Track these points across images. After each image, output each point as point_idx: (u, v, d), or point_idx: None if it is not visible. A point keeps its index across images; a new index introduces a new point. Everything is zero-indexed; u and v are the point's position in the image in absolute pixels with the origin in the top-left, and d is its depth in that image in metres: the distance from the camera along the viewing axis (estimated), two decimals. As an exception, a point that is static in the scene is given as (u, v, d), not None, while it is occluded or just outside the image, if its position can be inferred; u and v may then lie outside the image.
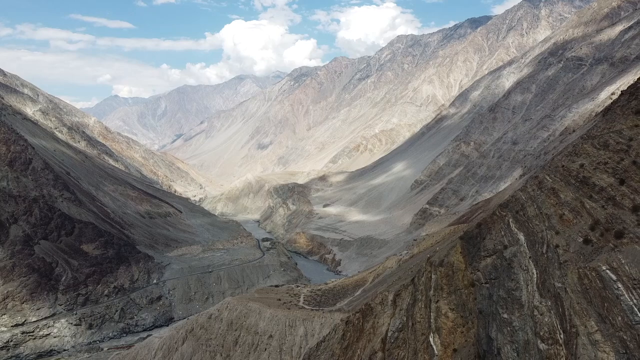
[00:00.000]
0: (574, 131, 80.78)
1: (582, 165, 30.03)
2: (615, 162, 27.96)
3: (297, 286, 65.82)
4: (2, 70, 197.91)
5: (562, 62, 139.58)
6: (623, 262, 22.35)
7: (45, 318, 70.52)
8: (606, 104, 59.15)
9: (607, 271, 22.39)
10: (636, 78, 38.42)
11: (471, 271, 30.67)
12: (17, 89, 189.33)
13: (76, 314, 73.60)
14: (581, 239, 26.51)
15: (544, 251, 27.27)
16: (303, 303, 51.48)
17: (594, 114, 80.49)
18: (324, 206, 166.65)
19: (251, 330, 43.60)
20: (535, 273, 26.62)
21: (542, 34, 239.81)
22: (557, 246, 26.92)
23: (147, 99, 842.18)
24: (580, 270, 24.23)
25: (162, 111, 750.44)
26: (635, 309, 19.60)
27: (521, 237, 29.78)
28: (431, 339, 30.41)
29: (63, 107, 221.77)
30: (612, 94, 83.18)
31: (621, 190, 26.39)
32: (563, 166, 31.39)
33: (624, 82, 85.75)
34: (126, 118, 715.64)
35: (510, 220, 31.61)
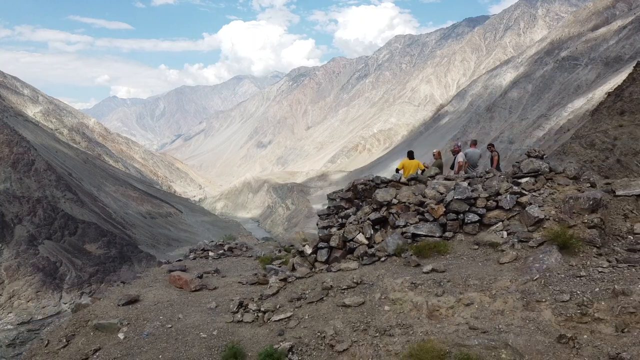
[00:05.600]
0: (568, 130, 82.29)
1: (570, 164, 31.58)
2: (600, 160, 29.47)
3: (298, 283, 67.14)
4: (2, 72, 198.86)
5: (558, 62, 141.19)
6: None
7: (51, 316, 71.62)
8: (598, 104, 60.22)
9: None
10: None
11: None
12: (18, 90, 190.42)
13: (80, 312, 74.86)
14: (568, 234, 28.02)
15: (534, 245, 28.76)
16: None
17: (588, 114, 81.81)
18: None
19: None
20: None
21: (539, 34, 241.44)
22: (545, 240, 28.43)
23: (145, 100, 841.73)
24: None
25: (160, 112, 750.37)
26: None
27: (512, 232, 31.30)
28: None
29: (63, 108, 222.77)
30: (606, 93, 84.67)
31: (606, 187, 27.98)
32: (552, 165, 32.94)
33: (618, 81, 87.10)
34: (125, 119, 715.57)
35: (503, 216, 33.10)
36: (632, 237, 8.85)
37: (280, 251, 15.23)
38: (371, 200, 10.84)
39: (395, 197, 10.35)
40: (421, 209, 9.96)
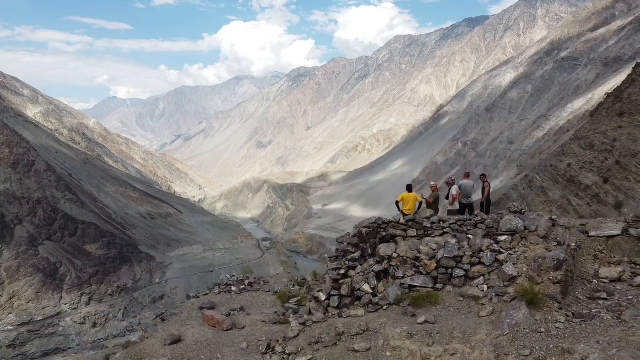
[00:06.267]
0: (568, 131, 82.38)
1: (569, 165, 31.58)
2: (600, 161, 29.50)
3: (298, 284, 67.12)
4: (2, 73, 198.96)
5: (558, 62, 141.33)
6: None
7: (51, 317, 71.78)
8: (598, 105, 60.16)
9: (591, 264, 23.84)
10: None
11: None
12: (18, 91, 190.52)
13: (81, 313, 74.88)
14: (567, 235, 28.10)
15: (533, 246, 28.80)
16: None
17: (587, 114, 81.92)
18: (323, 206, 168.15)
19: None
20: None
21: (538, 34, 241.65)
22: (545, 241, 28.47)
23: (145, 100, 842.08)
24: (567, 263, 25.73)
25: (160, 112, 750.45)
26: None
27: (512, 233, 31.34)
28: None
29: (63, 109, 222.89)
30: (605, 94, 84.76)
31: (605, 189, 27.96)
32: (552, 166, 32.92)
33: (617, 82, 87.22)
34: (124, 119, 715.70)
35: (502, 217, 33.18)
36: (596, 282, 10.01)
37: (294, 285, 16.93)
38: (375, 253, 12.95)
39: (395, 252, 12.28)
40: (417, 263, 11.75)
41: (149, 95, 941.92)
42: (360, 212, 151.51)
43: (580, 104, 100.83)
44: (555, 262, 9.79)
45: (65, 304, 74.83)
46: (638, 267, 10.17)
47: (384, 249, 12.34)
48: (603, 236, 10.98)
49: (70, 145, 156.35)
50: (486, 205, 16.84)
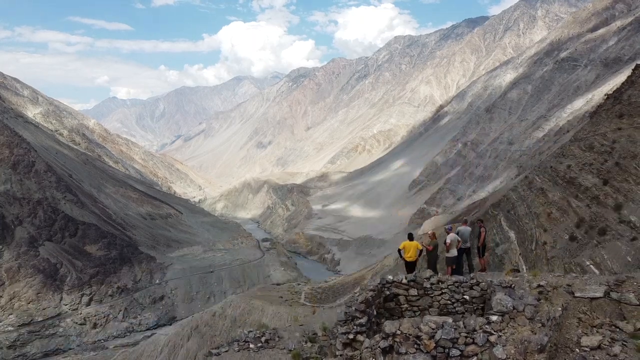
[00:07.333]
0: (567, 131, 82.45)
1: (569, 167, 31.66)
2: (599, 163, 29.59)
3: (298, 284, 67.19)
4: (2, 73, 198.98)
5: (558, 63, 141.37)
6: (606, 257, 23.97)
7: (51, 318, 71.85)
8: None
9: (591, 266, 23.98)
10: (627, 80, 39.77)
11: (465, 268, 32.20)
12: (18, 91, 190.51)
13: (81, 314, 74.94)
14: (567, 236, 28.11)
15: (533, 248, 28.87)
16: (304, 300, 52.97)
17: (587, 115, 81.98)
18: (323, 206, 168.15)
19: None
20: (524, 269, 28.19)
21: (538, 35, 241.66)
22: (545, 243, 28.52)
23: (145, 101, 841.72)
24: (566, 265, 25.79)
25: (160, 112, 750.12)
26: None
27: (512, 234, 31.36)
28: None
29: (63, 109, 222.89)
30: (605, 95, 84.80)
31: (605, 190, 28.03)
32: (551, 167, 32.98)
33: (617, 82, 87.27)
34: (124, 120, 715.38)
35: (502, 219, 33.23)
36: (578, 351, 10.54)
37: (306, 342, 17.99)
38: (380, 330, 13.99)
39: (398, 329, 13.48)
40: (417, 341, 12.80)
41: (148, 96, 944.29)
42: (360, 213, 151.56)
43: (580, 105, 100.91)
44: (539, 347, 10.66)
45: (66, 305, 74.89)
46: (617, 330, 10.84)
47: (389, 327, 13.26)
48: (587, 297, 11.66)
49: (70, 146, 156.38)
50: (482, 249, 18.52)
